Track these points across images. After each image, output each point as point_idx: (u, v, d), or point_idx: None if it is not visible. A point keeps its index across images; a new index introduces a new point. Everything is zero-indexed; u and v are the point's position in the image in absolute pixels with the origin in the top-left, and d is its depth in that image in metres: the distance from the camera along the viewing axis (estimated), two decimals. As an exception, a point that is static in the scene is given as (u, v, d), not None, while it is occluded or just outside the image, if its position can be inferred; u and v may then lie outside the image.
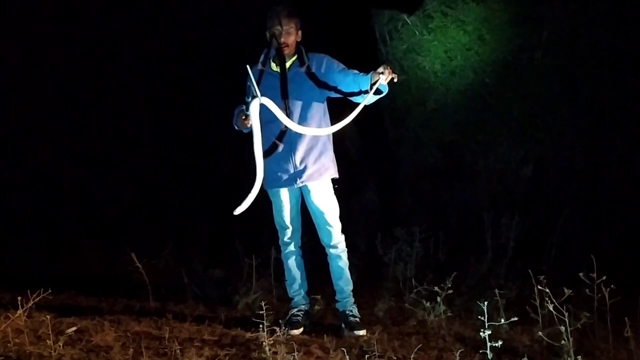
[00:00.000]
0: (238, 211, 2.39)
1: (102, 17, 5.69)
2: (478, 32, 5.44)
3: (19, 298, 2.48)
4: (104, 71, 5.62)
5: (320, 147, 2.80)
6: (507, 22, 5.35)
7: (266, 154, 2.73)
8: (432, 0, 5.64)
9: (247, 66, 2.53)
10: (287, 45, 2.72)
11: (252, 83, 2.51)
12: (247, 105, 2.60)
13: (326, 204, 2.84)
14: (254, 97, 2.54)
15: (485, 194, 5.18)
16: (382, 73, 2.51)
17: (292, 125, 2.62)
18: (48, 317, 2.51)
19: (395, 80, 2.55)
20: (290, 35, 2.72)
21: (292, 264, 2.97)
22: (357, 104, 2.65)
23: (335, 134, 2.84)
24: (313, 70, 2.76)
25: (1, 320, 2.60)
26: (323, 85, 2.76)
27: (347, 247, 2.93)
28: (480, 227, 4.24)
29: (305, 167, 2.78)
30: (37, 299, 2.52)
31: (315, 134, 2.74)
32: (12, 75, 5.51)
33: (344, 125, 2.59)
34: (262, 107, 2.57)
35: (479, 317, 2.23)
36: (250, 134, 2.70)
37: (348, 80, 2.69)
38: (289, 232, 2.92)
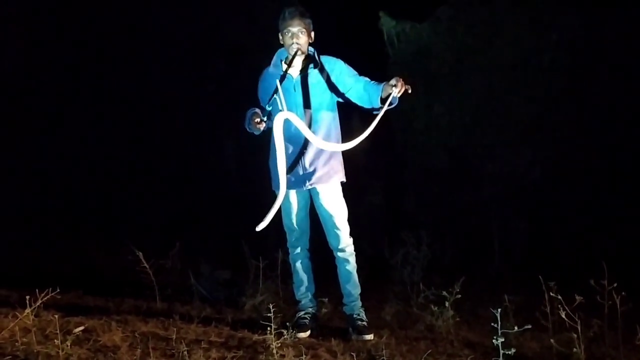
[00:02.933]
0: (260, 227, 2.41)
1: (106, 18, 5.70)
2: (486, 36, 5.43)
3: (27, 297, 2.46)
4: (113, 72, 5.63)
5: (329, 151, 2.79)
6: (516, 26, 5.33)
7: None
8: (440, 4, 5.63)
9: (277, 81, 2.56)
10: (300, 47, 2.71)
11: (279, 96, 2.53)
12: (264, 111, 2.61)
13: (335, 207, 2.83)
14: (266, 111, 2.54)
15: (493, 197, 5.16)
16: (395, 86, 2.53)
17: (315, 140, 2.63)
18: (56, 316, 2.50)
19: (410, 91, 2.55)
20: (302, 37, 2.71)
21: (300, 267, 2.96)
22: (368, 110, 2.67)
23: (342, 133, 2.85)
24: (325, 73, 2.77)
25: (9, 319, 2.59)
26: (334, 88, 2.77)
27: (354, 250, 2.92)
28: (488, 230, 4.22)
29: (314, 169, 2.77)
30: (45, 298, 2.51)
31: (335, 150, 2.73)
32: (16, 73, 5.52)
33: (360, 141, 2.60)
34: (274, 110, 2.57)
35: (488, 322, 2.21)
36: (260, 136, 2.70)
37: (359, 87, 2.72)
38: (297, 235, 2.92)
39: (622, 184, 4.88)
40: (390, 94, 2.53)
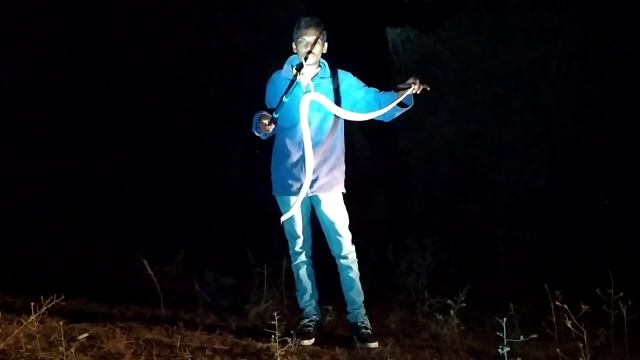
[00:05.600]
0: (285, 218, 2.65)
1: (110, 20, 5.73)
2: (491, 43, 5.43)
3: (32, 303, 2.48)
4: (118, 78, 5.66)
5: (333, 160, 2.83)
6: (521, 33, 5.33)
7: (280, 160, 2.76)
8: (445, 11, 5.64)
9: (295, 70, 2.66)
10: (313, 56, 2.74)
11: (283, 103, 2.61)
12: (272, 118, 2.66)
13: (336, 215, 2.85)
14: (274, 118, 2.63)
15: (498, 206, 5.14)
16: (414, 83, 2.56)
17: (335, 109, 2.69)
18: (60, 323, 2.51)
19: (429, 89, 2.59)
20: (316, 46, 2.75)
21: (303, 274, 2.97)
22: (379, 122, 2.75)
23: (345, 144, 2.90)
24: (335, 83, 2.81)
25: (14, 326, 2.60)
26: (343, 99, 2.80)
27: (357, 257, 2.92)
28: (493, 239, 4.21)
29: (317, 177, 2.80)
30: (50, 304, 2.52)
31: (354, 119, 2.79)
32: (21, 76, 5.55)
33: (374, 117, 2.70)
34: (281, 114, 2.63)
35: (494, 331, 2.20)
36: (266, 142, 2.73)
37: (369, 98, 2.76)
38: (299, 242, 2.93)
39: (628, 192, 4.85)
40: (406, 88, 2.57)
